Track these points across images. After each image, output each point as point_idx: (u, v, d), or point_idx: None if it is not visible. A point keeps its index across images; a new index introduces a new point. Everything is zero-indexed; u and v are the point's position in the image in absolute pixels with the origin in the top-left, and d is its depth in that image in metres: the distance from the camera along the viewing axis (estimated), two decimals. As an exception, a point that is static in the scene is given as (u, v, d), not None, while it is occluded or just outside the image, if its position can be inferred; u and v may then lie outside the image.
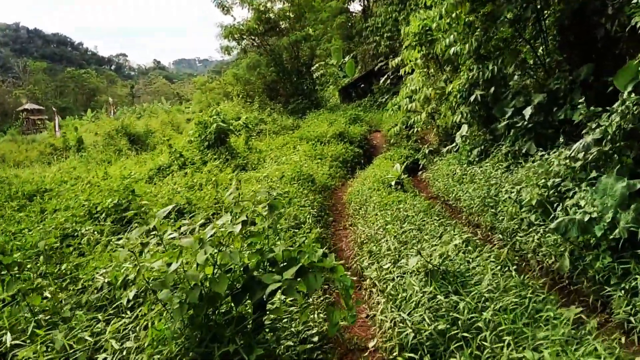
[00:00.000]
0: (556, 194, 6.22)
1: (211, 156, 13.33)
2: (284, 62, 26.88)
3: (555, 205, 5.90)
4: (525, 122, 8.81)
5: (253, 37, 27.17)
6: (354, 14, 37.40)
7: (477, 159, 10.03)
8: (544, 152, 7.61)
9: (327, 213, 9.16)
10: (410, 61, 13.59)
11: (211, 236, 2.82)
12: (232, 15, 26.25)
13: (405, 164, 11.52)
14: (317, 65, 29.48)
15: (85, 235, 6.05)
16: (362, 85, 29.90)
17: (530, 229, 5.95)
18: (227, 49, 27.36)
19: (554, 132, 8.68)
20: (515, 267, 4.54)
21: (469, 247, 5.04)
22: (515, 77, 10.40)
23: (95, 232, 6.24)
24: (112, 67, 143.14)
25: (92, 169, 14.26)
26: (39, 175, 13.72)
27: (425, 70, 13.28)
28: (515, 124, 9.04)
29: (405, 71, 14.19)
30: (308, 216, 7.19)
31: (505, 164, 8.66)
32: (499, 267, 4.48)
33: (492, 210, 7.18)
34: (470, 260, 4.71)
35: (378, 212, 7.59)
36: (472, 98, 10.07)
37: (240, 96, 27.01)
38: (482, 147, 10.17)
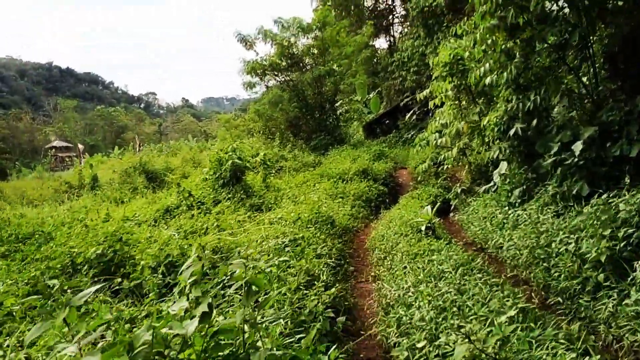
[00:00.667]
0: (629, 247, 5.04)
1: (225, 195, 12.39)
2: (307, 98, 26.26)
3: (632, 263, 4.72)
4: (576, 159, 7.65)
5: (276, 73, 26.70)
6: (379, 50, 36.92)
7: (519, 201, 8.83)
8: (603, 194, 6.43)
9: (347, 262, 8.05)
10: (440, 93, 12.61)
11: (148, 339, 1.79)
12: (255, 51, 25.73)
13: (436, 205, 10.33)
14: (340, 101, 28.75)
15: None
16: (387, 121, 29.05)
17: (600, 293, 4.76)
18: (249, 84, 26.92)
19: (608, 169, 7.52)
20: (598, 356, 3.35)
21: (530, 323, 3.86)
22: (556, 108, 9.28)
23: (68, 291, 5.20)
24: (142, 105, 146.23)
25: (100, 208, 13.39)
26: (47, 214, 12.92)
27: (456, 102, 12.26)
28: (564, 161, 7.88)
29: (434, 104, 13.19)
30: (324, 269, 6.09)
31: (554, 208, 7.47)
32: (574, 356, 3.30)
33: (545, 264, 5.99)
34: (532, 340, 3.56)
35: (407, 264, 6.46)
36: (511, 132, 9.00)
37: (262, 132, 26.35)
38: (524, 187, 8.97)
